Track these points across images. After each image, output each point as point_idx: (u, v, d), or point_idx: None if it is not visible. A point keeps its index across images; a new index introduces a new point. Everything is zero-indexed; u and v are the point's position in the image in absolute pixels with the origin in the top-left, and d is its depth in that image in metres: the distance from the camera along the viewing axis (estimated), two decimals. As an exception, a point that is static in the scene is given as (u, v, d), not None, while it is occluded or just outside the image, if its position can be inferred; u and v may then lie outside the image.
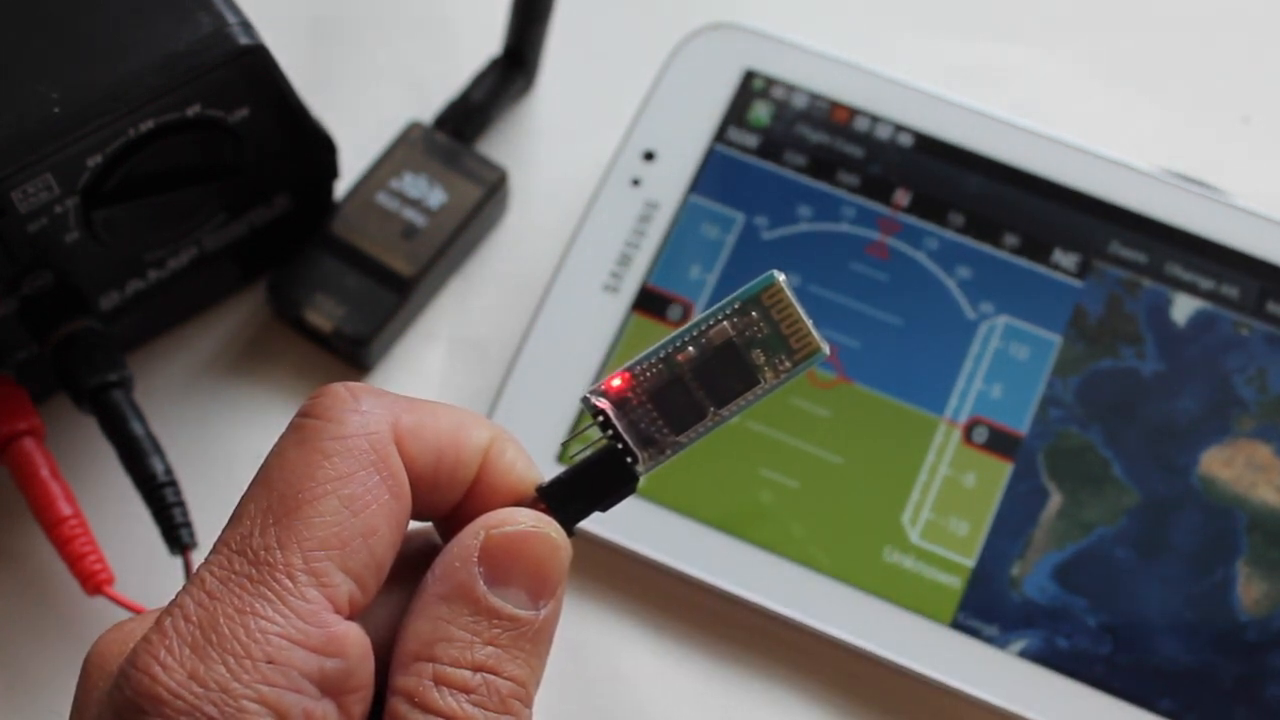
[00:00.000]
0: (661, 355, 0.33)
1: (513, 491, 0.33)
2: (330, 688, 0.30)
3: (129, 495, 0.46)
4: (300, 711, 0.29)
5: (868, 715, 0.47)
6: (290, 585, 0.30)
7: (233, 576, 0.30)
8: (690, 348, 0.33)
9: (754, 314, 0.32)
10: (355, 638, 0.31)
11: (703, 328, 0.33)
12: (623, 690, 0.47)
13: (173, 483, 0.45)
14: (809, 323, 0.32)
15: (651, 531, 0.48)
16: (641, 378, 0.33)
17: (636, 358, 0.33)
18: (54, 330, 0.46)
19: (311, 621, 0.30)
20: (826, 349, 0.32)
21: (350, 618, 0.31)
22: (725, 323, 0.33)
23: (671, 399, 0.33)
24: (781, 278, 0.32)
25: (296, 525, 0.30)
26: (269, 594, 0.30)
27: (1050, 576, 0.47)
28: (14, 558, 0.49)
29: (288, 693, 0.29)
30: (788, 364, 0.33)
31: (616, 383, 0.33)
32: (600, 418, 0.33)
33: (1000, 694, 0.46)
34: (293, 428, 0.32)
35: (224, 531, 0.31)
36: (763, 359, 0.33)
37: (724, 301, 0.33)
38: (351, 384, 0.32)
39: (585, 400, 0.33)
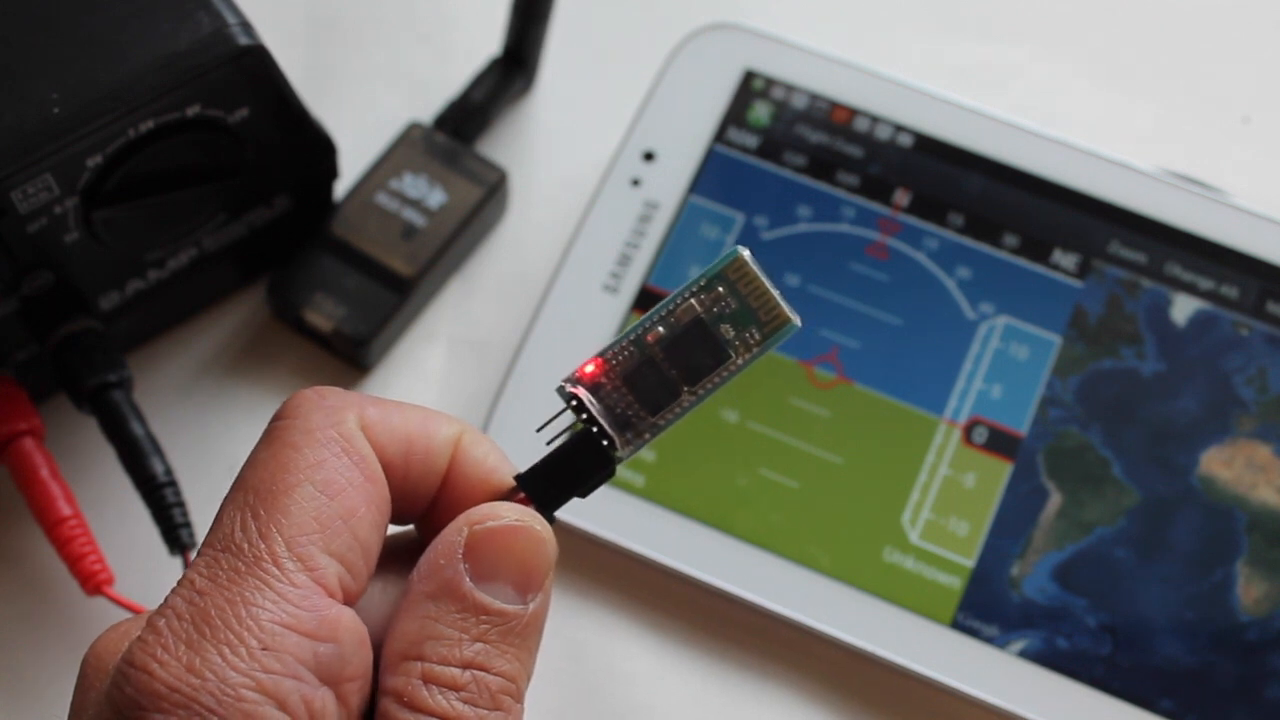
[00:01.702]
0: (632, 338, 0.33)
1: (487, 484, 0.34)
2: (326, 675, 0.30)
3: (129, 495, 0.46)
4: (299, 699, 0.30)
5: (868, 715, 0.47)
6: (277, 572, 0.30)
7: (220, 573, 0.30)
8: (659, 327, 0.33)
9: (720, 289, 0.33)
10: (349, 623, 0.31)
11: (670, 307, 0.33)
12: (622, 690, 0.47)
13: (172, 483, 0.45)
14: (776, 294, 0.32)
15: (651, 531, 0.48)
16: (613, 361, 0.33)
17: (609, 343, 0.33)
18: (54, 330, 0.46)
19: (303, 606, 0.30)
20: (797, 320, 0.32)
21: (346, 603, 0.31)
22: (692, 300, 0.33)
23: (645, 380, 0.33)
24: (745, 252, 0.32)
25: (275, 515, 0.31)
26: (258, 583, 0.30)
27: (1050, 576, 0.47)
28: (14, 558, 0.49)
29: (285, 679, 0.29)
30: (758, 337, 0.33)
31: (590, 368, 0.33)
32: (574, 403, 0.33)
33: (1000, 694, 0.46)
34: (264, 433, 0.32)
35: (207, 536, 0.31)
36: (732, 334, 0.33)
37: (691, 279, 0.33)
38: (318, 387, 0.33)
39: (561, 390, 0.33)
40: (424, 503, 0.34)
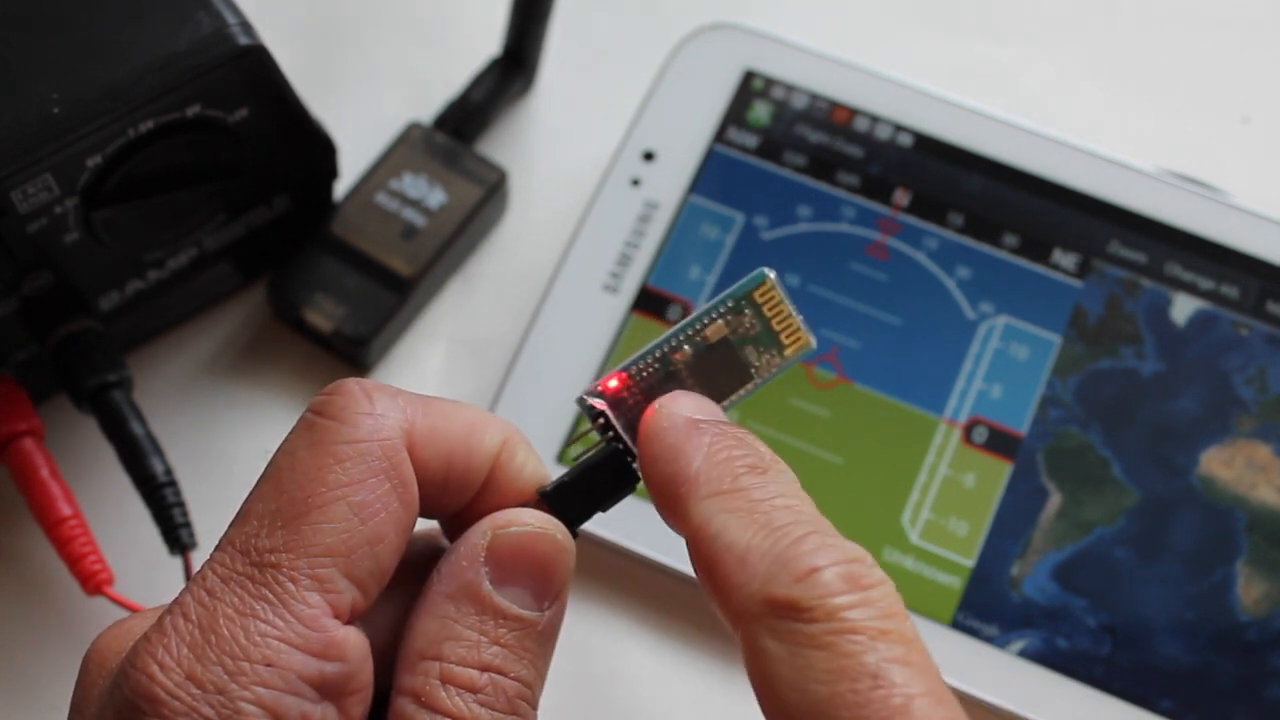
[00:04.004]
0: (657, 355, 0.33)
1: (522, 493, 0.33)
2: (330, 691, 0.30)
3: (129, 495, 0.46)
4: (298, 715, 0.29)
5: (868, 715, 0.47)
6: (292, 589, 0.30)
7: (235, 576, 0.30)
8: (685, 346, 0.33)
9: (747, 312, 0.33)
10: (355, 641, 0.30)
11: (697, 326, 0.33)
12: (623, 690, 0.47)
13: (172, 483, 0.45)
14: (799, 319, 0.33)
15: (652, 532, 0.48)
16: (638, 377, 0.33)
17: (631, 358, 0.33)
18: (54, 330, 0.46)
19: (312, 626, 0.30)
20: (814, 342, 0.33)
21: (350, 622, 0.31)
22: (720, 321, 0.33)
23: None
24: (772, 275, 0.33)
25: (304, 529, 0.30)
26: (270, 597, 0.30)
27: (1050, 576, 0.47)
28: (14, 558, 0.49)
29: (285, 696, 0.29)
30: (779, 359, 0.33)
31: (613, 383, 0.33)
32: (601, 420, 0.33)
33: (1000, 694, 0.46)
34: (305, 426, 0.32)
35: (229, 529, 0.31)
36: (755, 355, 0.33)
37: (717, 300, 0.33)
38: (365, 382, 0.32)
39: (582, 401, 0.33)
40: (455, 508, 0.33)
